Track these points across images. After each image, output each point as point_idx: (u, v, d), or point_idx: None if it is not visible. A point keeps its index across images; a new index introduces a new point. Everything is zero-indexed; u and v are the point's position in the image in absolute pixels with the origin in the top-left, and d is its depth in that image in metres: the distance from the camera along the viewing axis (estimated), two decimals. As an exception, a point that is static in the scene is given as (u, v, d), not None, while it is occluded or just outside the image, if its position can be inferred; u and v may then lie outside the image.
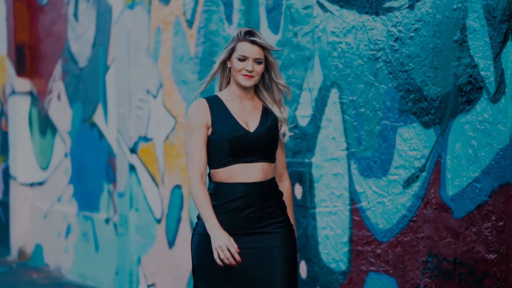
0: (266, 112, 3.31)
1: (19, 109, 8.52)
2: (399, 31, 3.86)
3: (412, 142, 3.83)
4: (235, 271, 3.17)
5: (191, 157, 3.24)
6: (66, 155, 7.75)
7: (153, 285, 5.99)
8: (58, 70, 7.89)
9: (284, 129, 3.32)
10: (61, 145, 7.86)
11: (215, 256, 3.11)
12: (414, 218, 3.81)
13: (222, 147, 3.22)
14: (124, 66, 6.29)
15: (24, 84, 8.51)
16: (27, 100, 8.52)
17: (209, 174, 3.31)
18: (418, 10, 3.76)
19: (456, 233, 3.56)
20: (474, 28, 3.46)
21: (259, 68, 3.24)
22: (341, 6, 4.20)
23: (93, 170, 7.17)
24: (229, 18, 5.12)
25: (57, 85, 7.91)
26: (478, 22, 3.44)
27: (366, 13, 4.05)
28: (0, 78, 9.35)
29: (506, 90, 3.32)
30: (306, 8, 4.44)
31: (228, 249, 3.10)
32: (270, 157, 3.29)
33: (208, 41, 5.32)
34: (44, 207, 8.17)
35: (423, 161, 3.77)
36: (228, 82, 3.33)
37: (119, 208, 6.38)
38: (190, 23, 5.53)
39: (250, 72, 3.21)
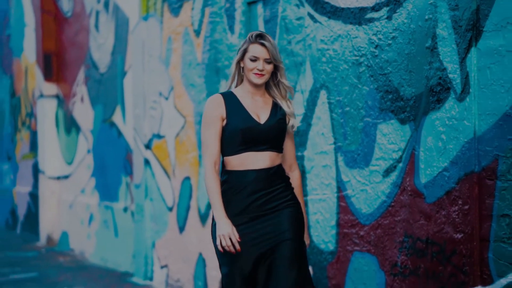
0: (276, 107, 3.34)
1: (47, 111, 8.62)
2: (379, 39, 3.94)
3: (390, 137, 3.91)
4: (252, 251, 3.19)
5: (206, 148, 3.27)
6: (88, 151, 7.83)
7: (165, 266, 6.09)
8: (81, 76, 7.97)
9: (292, 121, 3.35)
10: (84, 143, 7.94)
11: (217, 242, 3.14)
12: (392, 204, 3.88)
13: (235, 136, 3.25)
14: (140, 71, 6.38)
15: (51, 88, 8.61)
16: (54, 102, 8.62)
17: (222, 162, 3.34)
18: (395, 20, 3.84)
19: (428, 216, 3.65)
20: (443, 36, 3.55)
21: (269, 67, 3.28)
22: (329, 17, 4.29)
23: (113, 165, 7.24)
24: (231, 28, 5.22)
25: (81, 89, 8.00)
26: (447, 30, 3.52)
27: (351, 23, 4.14)
28: (29, 83, 9.44)
29: (471, 90, 3.39)
30: (298, 19, 4.53)
31: (230, 239, 3.12)
32: (278, 147, 3.31)
33: (213, 49, 5.41)
34: (69, 198, 8.25)
35: (400, 153, 3.84)
36: (242, 80, 3.36)
37: (135, 198, 6.46)
38: (197, 33, 5.63)
39: (261, 71, 3.26)
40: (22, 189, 9.66)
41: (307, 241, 3.41)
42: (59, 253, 8.07)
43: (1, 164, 10.57)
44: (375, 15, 3.98)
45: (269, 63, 3.27)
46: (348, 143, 4.18)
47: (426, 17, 3.65)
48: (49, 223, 8.58)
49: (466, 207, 3.44)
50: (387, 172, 3.93)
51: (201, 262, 5.58)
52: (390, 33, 3.88)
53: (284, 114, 3.34)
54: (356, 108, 4.12)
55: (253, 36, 3.28)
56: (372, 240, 4.02)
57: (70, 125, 8.31)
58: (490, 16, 3.33)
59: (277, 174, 3.30)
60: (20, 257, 7.82)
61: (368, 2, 4.02)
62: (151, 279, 6.26)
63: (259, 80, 3.28)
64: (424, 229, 3.68)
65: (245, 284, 3.23)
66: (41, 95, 8.64)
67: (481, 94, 3.37)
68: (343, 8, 4.19)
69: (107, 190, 7.36)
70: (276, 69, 3.34)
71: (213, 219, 3.29)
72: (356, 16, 4.10)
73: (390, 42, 3.88)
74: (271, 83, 3.37)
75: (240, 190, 3.24)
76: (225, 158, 3.31)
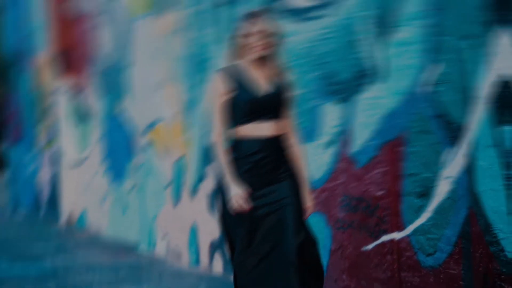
0: (276, 79, 3.61)
1: (63, 103, 9.39)
2: (323, 33, 4.76)
3: (331, 115, 4.71)
4: (259, 213, 3.48)
5: (214, 121, 3.58)
6: (100, 138, 8.67)
7: (165, 236, 6.98)
8: (91, 70, 8.79)
9: (289, 92, 3.64)
10: (96, 131, 8.74)
11: (232, 202, 3.43)
12: (335, 170, 4.73)
13: (241, 107, 3.51)
14: (139, 65, 7.25)
15: (65, 82, 9.45)
16: (68, 95, 9.41)
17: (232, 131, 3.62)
18: (334, 17, 4.64)
19: (359, 178, 4.47)
20: (367, 30, 4.39)
21: (264, 41, 3.52)
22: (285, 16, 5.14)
23: (121, 149, 8.00)
24: (209, 26, 6.07)
25: (91, 82, 8.82)
26: (370, 26, 4.37)
27: (302, 20, 4.97)
28: (47, 77, 10.28)
29: (386, 75, 4.23)
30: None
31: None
32: (280, 116, 3.59)
33: (196, 44, 6.26)
34: (86, 180, 9.18)
35: (339, 128, 4.68)
36: (243, 55, 3.59)
37: (138, 178, 7.34)
38: (183, 30, 6.48)
39: (256, 45, 3.51)
40: (45, 175, 10.61)
41: (310, 203, 3.68)
42: (78, 229, 8.93)
43: (27, 152, 11.55)
44: (319, 13, 4.81)
45: (263, 36, 3.51)
46: (301, 122, 5.00)
47: (356, 14, 4.48)
48: (70, 204, 9.41)
49: (386, 169, 4.27)
50: (330, 145, 4.77)
51: (194, 230, 6.46)
52: (331, 28, 4.69)
53: (283, 85, 3.63)
54: (307, 92, 4.95)
55: (246, 14, 3.59)
56: (321, 202, 4.85)
57: (83, 115, 9.14)
58: (399, 14, 4.15)
59: (282, 143, 3.60)
60: (42, 233, 8.73)
61: (314, 2, 4.85)
62: (154, 247, 7.17)
63: (256, 54, 3.53)
64: (356, 189, 4.51)
65: (249, 242, 3.47)
66: (58, 89, 9.49)
67: (393, 77, 4.20)
68: (296, 7, 5.02)
69: (116, 172, 8.19)
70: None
71: (220, 199, 3.59)
72: (306, 14, 4.92)
73: (331, 35, 4.71)
74: (268, 57, 3.60)
75: (250, 156, 3.50)
76: (234, 128, 3.59)
